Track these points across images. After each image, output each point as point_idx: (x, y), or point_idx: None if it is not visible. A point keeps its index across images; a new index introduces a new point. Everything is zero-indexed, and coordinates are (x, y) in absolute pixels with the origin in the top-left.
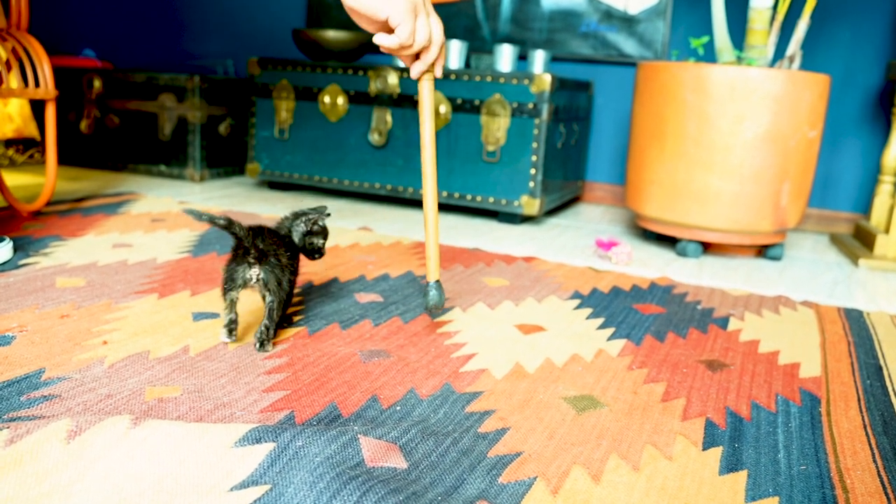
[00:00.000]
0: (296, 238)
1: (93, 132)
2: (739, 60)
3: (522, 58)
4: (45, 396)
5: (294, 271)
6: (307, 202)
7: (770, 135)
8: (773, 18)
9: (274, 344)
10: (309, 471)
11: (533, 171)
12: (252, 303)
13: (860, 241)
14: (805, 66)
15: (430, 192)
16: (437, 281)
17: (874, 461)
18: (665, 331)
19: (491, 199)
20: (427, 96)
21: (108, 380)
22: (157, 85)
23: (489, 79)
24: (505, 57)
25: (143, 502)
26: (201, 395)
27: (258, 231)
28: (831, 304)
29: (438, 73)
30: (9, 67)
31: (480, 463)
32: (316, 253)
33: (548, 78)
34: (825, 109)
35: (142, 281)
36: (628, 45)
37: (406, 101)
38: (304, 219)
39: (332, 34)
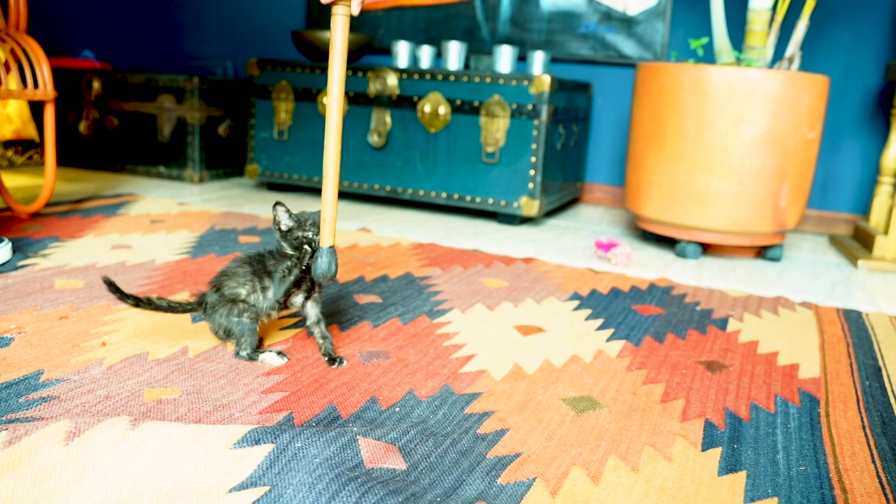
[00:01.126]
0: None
1: (92, 133)
2: (739, 61)
3: (522, 59)
4: (44, 398)
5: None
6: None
7: (769, 136)
8: (772, 19)
9: (282, 353)
10: (308, 472)
11: (532, 172)
12: None
13: (859, 242)
14: (804, 67)
15: (332, 145)
16: (332, 247)
17: (873, 462)
18: (664, 332)
19: (490, 201)
20: (340, 33)
21: (107, 381)
22: (156, 86)
23: (488, 80)
24: (504, 58)
25: (141, 503)
26: (200, 396)
27: (215, 281)
28: (830, 304)
29: (356, 9)
30: (8, 69)
31: (480, 464)
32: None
33: (547, 79)
34: (824, 110)
35: (141, 282)
36: (627, 47)
37: (406, 102)
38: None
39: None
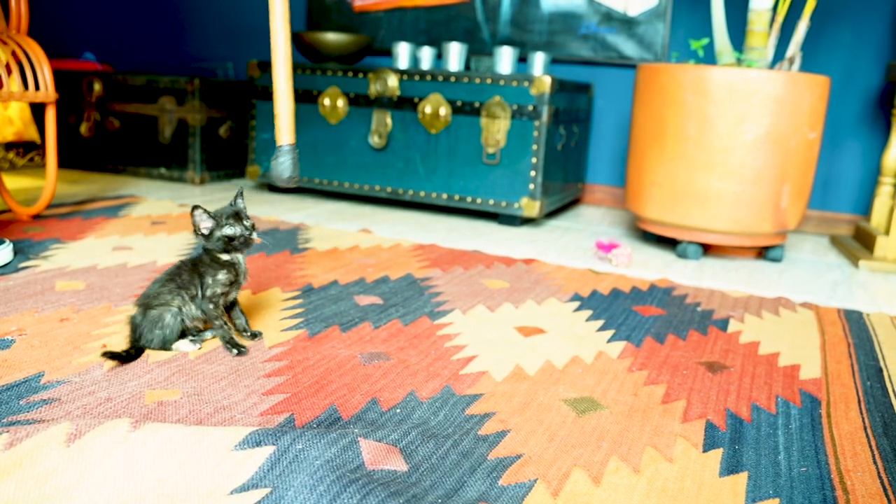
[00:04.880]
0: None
1: (93, 135)
2: (739, 62)
3: (522, 60)
4: (45, 400)
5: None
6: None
7: (770, 136)
8: (772, 20)
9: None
10: (309, 474)
11: (533, 173)
12: (249, 306)
13: (860, 243)
14: (805, 67)
15: (281, 43)
16: (292, 145)
17: (874, 463)
18: (665, 332)
19: (491, 202)
20: None
21: (108, 383)
22: (157, 88)
23: (489, 81)
24: (505, 59)
25: None
26: (201, 398)
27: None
28: (831, 305)
29: None
30: (9, 71)
31: (481, 465)
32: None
33: (548, 80)
34: (825, 111)
35: (142, 284)
36: (628, 47)
37: (406, 103)
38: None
39: (331, 37)
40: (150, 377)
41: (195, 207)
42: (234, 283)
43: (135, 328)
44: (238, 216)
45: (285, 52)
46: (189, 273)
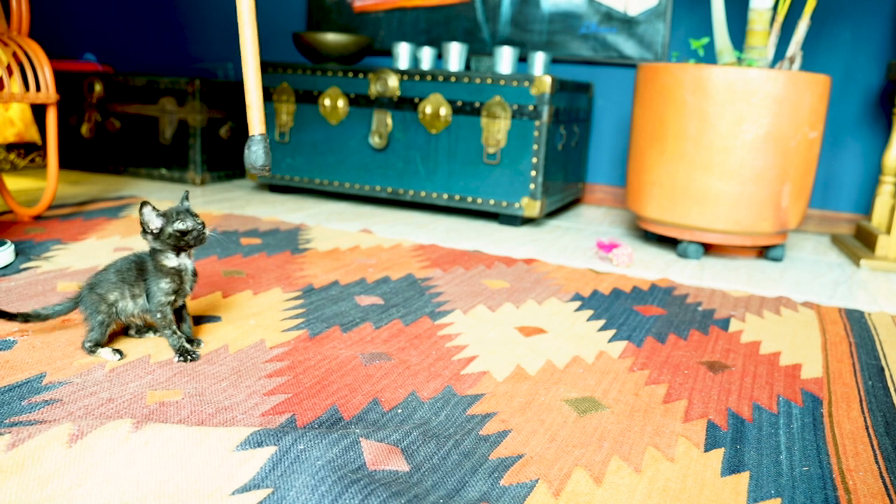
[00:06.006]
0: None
1: (94, 136)
2: (739, 61)
3: (522, 60)
4: (47, 401)
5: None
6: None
7: (770, 136)
8: (773, 19)
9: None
10: (311, 474)
11: (533, 172)
12: (241, 308)
13: (861, 242)
14: (805, 66)
15: (248, 28)
16: (262, 134)
17: (876, 462)
18: (666, 332)
19: (491, 202)
20: None
21: (110, 384)
22: (158, 88)
23: (489, 81)
24: (505, 59)
25: None
26: (202, 398)
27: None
28: (832, 304)
29: None
30: (10, 72)
31: (482, 465)
32: (188, 240)
33: (548, 80)
34: (826, 110)
35: None
36: (628, 47)
37: (406, 103)
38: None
39: (332, 37)
40: (151, 378)
41: (144, 203)
42: (179, 292)
43: (81, 299)
44: (189, 212)
45: (253, 47)
46: (136, 272)
